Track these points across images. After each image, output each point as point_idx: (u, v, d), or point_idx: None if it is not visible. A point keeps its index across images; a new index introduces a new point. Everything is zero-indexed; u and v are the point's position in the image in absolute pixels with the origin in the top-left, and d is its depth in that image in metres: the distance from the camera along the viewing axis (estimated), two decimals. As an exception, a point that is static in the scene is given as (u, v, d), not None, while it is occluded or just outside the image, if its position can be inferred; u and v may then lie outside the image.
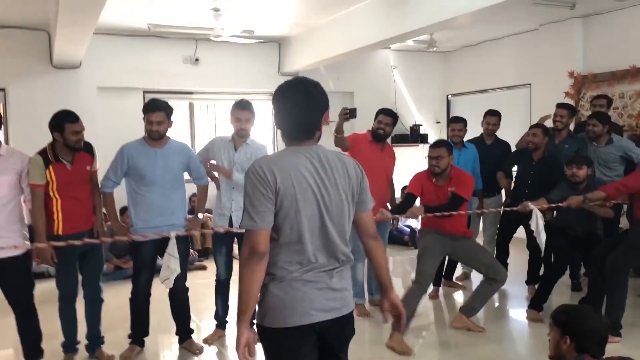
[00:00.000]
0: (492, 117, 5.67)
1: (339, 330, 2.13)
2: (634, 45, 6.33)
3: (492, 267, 4.39)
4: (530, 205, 4.46)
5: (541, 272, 5.08)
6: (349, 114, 4.61)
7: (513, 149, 5.71)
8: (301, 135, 2.09)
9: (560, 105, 5.42)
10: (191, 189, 4.57)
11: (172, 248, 3.76)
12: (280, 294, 2.01)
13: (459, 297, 5.51)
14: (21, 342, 3.75)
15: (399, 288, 6.03)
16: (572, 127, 5.74)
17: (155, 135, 3.85)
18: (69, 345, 3.88)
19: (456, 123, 5.51)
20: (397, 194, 6.71)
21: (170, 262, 3.76)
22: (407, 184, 6.50)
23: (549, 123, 5.44)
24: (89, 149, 3.80)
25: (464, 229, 4.58)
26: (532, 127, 5.27)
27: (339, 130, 4.70)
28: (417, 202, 4.55)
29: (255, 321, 2.08)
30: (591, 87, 6.77)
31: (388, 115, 4.86)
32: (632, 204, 4.44)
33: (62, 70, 7.03)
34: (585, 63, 6.92)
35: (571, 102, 6.81)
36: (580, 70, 6.89)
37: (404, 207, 4.46)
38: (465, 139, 5.60)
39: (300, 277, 2.02)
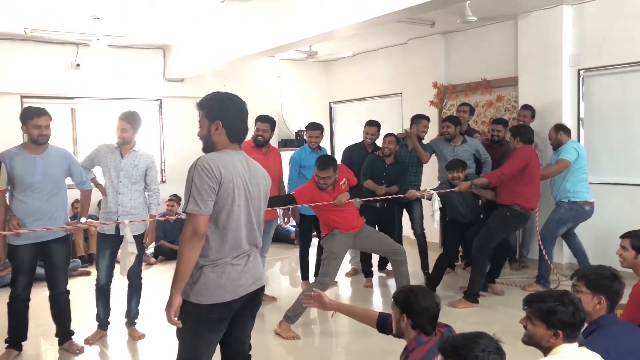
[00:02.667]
0: (371, 127, 6.15)
1: (252, 300, 2.62)
2: (486, 60, 7.16)
3: (390, 249, 4.90)
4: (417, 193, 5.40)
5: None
6: None
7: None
8: (241, 138, 2.58)
9: (419, 117, 6.14)
10: (74, 194, 4.62)
11: (129, 234, 4.08)
12: (214, 276, 2.43)
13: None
14: None
15: (286, 285, 6.44)
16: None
17: (43, 140, 3.94)
18: None
19: (314, 130, 5.96)
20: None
21: (128, 248, 4.06)
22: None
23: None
24: None
25: (359, 222, 4.90)
26: (386, 135, 5.96)
27: None
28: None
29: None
30: (452, 96, 7.56)
31: (265, 122, 5.23)
32: (499, 190, 5.29)
33: None
34: (447, 75, 7.70)
35: (435, 110, 7.57)
36: (442, 82, 7.66)
37: (282, 202, 4.89)
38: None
39: (230, 262, 2.47)
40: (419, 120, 6.09)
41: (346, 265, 6.28)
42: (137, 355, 4.36)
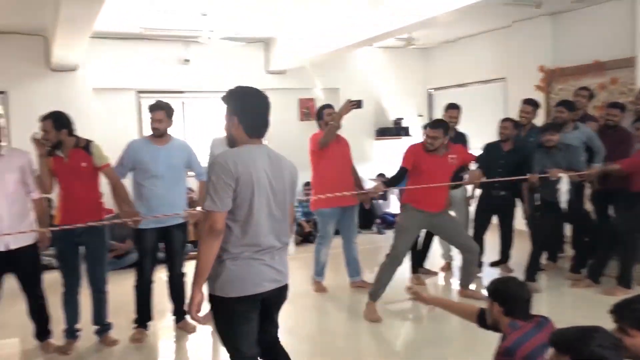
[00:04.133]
0: (453, 110, 5.91)
1: (278, 296, 2.62)
2: (597, 41, 6.73)
3: (463, 246, 4.84)
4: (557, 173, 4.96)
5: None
6: (356, 104, 5.02)
7: (480, 140, 6.10)
8: (261, 133, 2.54)
9: (526, 102, 5.84)
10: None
11: None
12: (235, 269, 2.44)
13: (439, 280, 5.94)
14: (33, 324, 4.15)
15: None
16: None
17: (157, 132, 4.24)
18: (70, 332, 4.20)
19: (435, 129, 5.64)
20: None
21: None
22: (382, 171, 6.95)
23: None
24: (87, 147, 4.08)
25: (443, 205, 4.84)
26: (503, 120, 5.70)
27: (337, 119, 5.04)
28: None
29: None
30: (559, 80, 7.17)
31: (329, 107, 5.41)
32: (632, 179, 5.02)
33: (59, 73, 7.37)
34: (554, 58, 7.32)
35: (541, 94, 7.23)
36: (549, 65, 7.30)
37: (395, 180, 4.86)
38: None
39: (251, 256, 2.46)
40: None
41: (438, 259, 6.21)
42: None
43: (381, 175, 8.73)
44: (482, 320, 2.79)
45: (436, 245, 6.07)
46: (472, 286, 5.16)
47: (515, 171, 5.43)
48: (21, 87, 7.22)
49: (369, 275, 5.44)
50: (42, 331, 4.19)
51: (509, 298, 2.53)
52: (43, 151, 3.93)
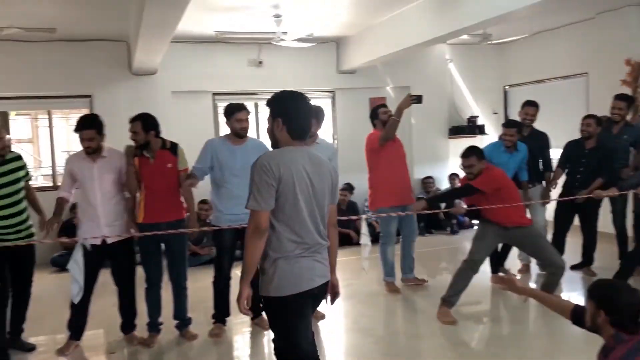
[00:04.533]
0: (530, 107, 5.69)
1: (323, 291, 2.67)
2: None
3: (546, 261, 4.58)
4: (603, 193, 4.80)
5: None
6: (416, 99, 5.00)
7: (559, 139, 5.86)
8: (304, 136, 2.59)
9: (618, 97, 5.52)
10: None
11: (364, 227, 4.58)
12: (289, 267, 2.50)
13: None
14: (121, 317, 4.37)
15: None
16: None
17: (244, 132, 4.39)
18: (153, 325, 4.37)
19: (510, 128, 5.42)
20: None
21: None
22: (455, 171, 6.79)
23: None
24: (174, 149, 4.30)
25: (520, 220, 4.64)
26: (585, 117, 5.44)
27: (398, 114, 5.05)
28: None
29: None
30: (648, 74, 6.76)
31: (384, 107, 5.47)
32: None
33: (140, 77, 7.70)
34: (643, 50, 6.91)
35: (628, 90, 6.83)
36: (637, 58, 6.88)
37: (445, 197, 4.84)
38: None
39: (301, 254, 2.52)
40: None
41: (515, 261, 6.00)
42: (317, 334, 4.61)
43: (454, 175, 8.55)
44: (576, 318, 2.59)
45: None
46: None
47: (599, 170, 5.18)
48: (105, 90, 7.59)
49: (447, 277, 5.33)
50: (128, 324, 4.40)
51: (620, 308, 2.33)
52: (131, 161, 4.17)
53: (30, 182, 4.44)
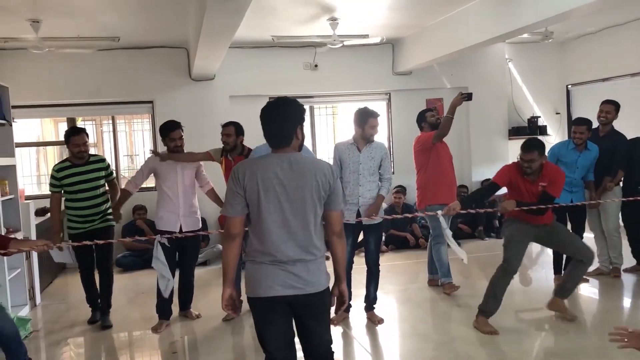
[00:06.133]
0: (606, 105, 5.59)
1: (306, 305, 2.59)
2: None
3: (579, 250, 4.44)
4: None
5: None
6: (467, 97, 5.09)
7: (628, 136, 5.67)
8: (277, 144, 2.59)
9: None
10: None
11: (443, 222, 4.64)
12: (252, 271, 2.58)
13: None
14: (179, 300, 5.15)
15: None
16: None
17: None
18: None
19: (579, 125, 5.33)
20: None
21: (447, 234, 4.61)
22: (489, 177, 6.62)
23: None
24: (248, 154, 4.73)
25: (544, 219, 4.51)
26: None
27: (452, 111, 5.12)
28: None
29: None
30: None
31: (431, 111, 5.66)
32: None
33: (199, 82, 7.89)
34: None
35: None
36: None
37: (482, 195, 4.74)
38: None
39: (268, 262, 2.54)
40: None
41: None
42: (376, 338, 4.59)
43: (485, 181, 8.34)
44: None
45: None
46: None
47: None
48: (165, 96, 7.81)
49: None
50: (188, 303, 5.11)
51: None
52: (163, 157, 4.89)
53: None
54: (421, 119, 5.57)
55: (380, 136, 8.48)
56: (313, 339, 2.67)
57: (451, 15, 6.76)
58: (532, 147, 4.29)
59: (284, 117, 2.58)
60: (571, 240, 4.58)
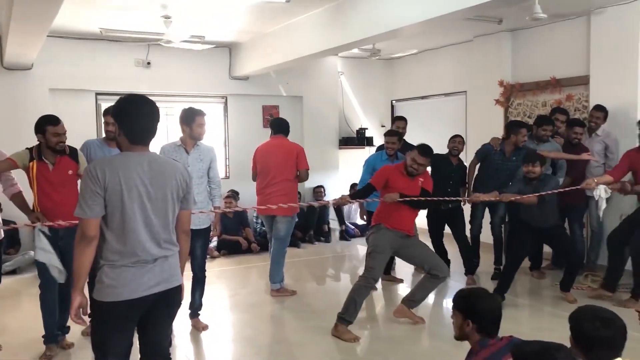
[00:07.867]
0: (401, 121, 6.35)
1: (166, 300, 2.61)
2: (554, 58, 6.91)
3: (435, 265, 4.64)
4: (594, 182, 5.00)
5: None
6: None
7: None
8: (143, 141, 2.55)
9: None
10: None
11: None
12: (113, 275, 2.47)
13: (400, 290, 5.96)
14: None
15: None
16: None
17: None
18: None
19: (391, 136, 5.86)
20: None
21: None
22: (355, 181, 7.09)
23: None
24: (73, 155, 4.09)
25: (410, 228, 4.76)
26: (454, 136, 6.17)
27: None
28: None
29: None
30: (518, 95, 7.34)
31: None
32: None
33: (12, 72, 7.11)
34: (514, 73, 7.48)
35: (500, 109, 7.39)
36: (509, 80, 7.45)
37: (363, 195, 4.89)
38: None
39: (129, 264, 2.48)
40: (517, 129, 5.80)
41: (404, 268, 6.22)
42: (200, 345, 4.50)
43: (355, 185, 8.74)
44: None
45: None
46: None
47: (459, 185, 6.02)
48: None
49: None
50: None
51: (484, 314, 2.49)
52: None
53: None
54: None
55: (217, 140, 8.48)
56: (159, 337, 2.67)
57: (288, 24, 6.91)
58: (429, 153, 4.65)
59: (151, 113, 2.56)
60: (429, 254, 4.77)
